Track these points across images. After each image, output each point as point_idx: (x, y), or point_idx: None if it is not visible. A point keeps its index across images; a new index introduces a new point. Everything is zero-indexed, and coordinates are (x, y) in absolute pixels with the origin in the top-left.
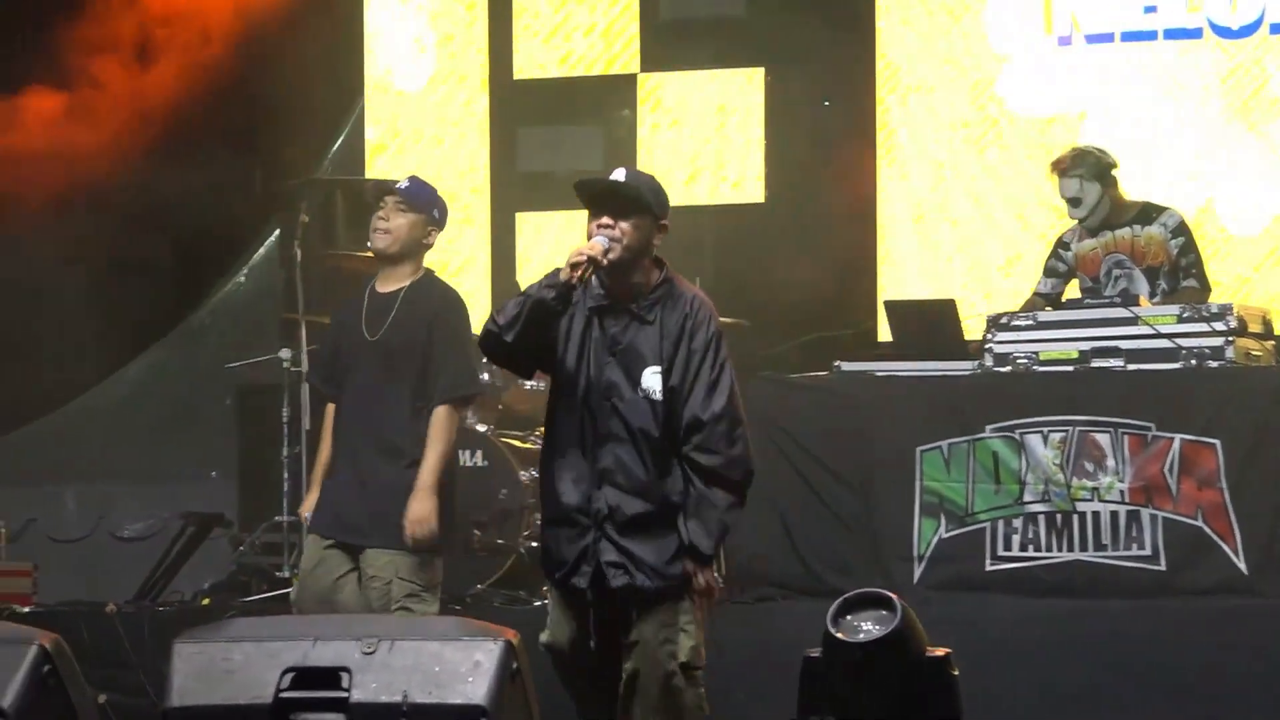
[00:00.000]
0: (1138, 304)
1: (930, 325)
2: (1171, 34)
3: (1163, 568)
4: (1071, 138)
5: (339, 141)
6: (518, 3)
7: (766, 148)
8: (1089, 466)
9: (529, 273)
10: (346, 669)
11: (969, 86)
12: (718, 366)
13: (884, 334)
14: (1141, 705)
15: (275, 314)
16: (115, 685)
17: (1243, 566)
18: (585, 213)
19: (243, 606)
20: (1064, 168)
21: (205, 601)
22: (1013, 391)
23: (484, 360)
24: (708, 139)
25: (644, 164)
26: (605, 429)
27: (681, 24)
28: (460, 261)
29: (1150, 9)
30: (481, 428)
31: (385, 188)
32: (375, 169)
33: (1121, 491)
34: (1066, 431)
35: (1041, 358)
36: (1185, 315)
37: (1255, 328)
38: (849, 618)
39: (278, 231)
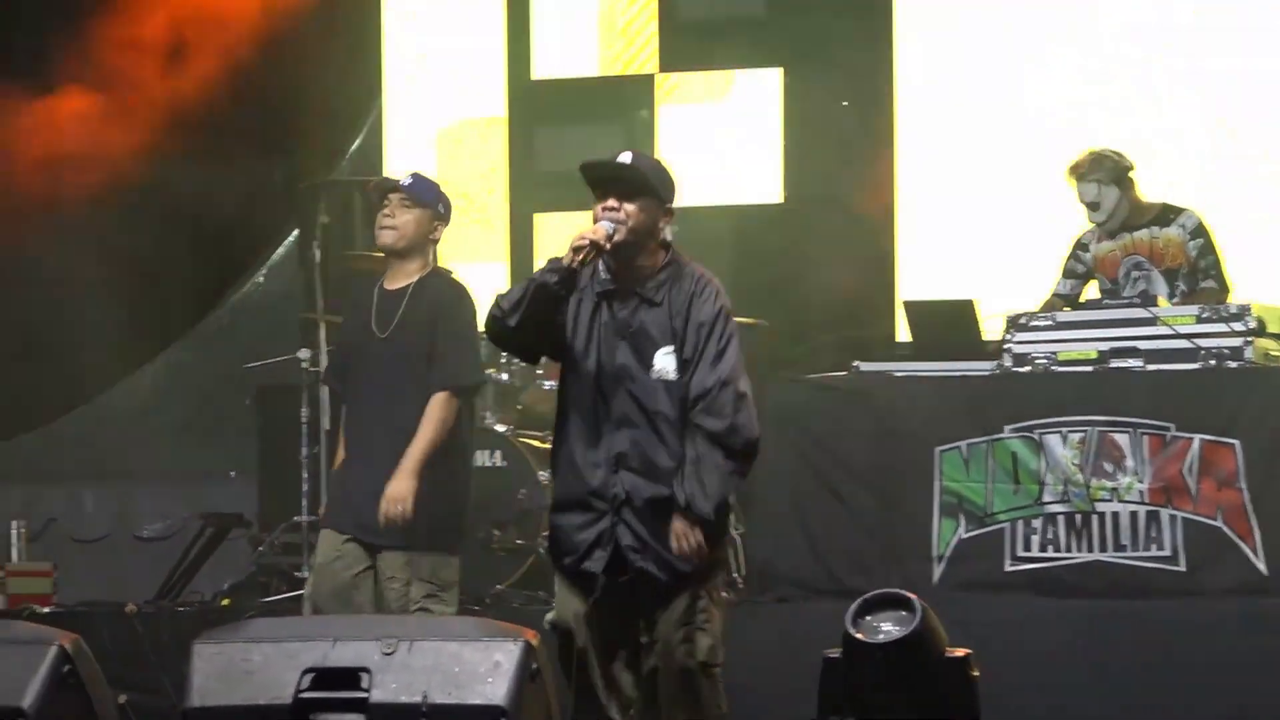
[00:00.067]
0: (1156, 304)
1: (949, 325)
2: (1191, 34)
3: (1182, 568)
4: (1090, 139)
5: (357, 142)
6: (536, 3)
7: (785, 148)
8: (1108, 467)
9: None
10: (366, 669)
11: (988, 86)
12: (724, 338)
13: (903, 334)
14: (1160, 706)
15: (294, 314)
16: (135, 685)
17: (1262, 567)
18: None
19: (262, 607)
20: (1081, 172)
21: (225, 602)
22: (1032, 392)
23: (504, 360)
24: (726, 139)
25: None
26: (619, 413)
27: (700, 24)
28: (479, 262)
29: (1171, 8)
30: (500, 428)
31: (389, 185)
32: (393, 169)
33: (1141, 492)
34: (1086, 432)
35: (1060, 358)
36: (1204, 315)
37: (1275, 328)
38: (869, 618)
39: (297, 232)
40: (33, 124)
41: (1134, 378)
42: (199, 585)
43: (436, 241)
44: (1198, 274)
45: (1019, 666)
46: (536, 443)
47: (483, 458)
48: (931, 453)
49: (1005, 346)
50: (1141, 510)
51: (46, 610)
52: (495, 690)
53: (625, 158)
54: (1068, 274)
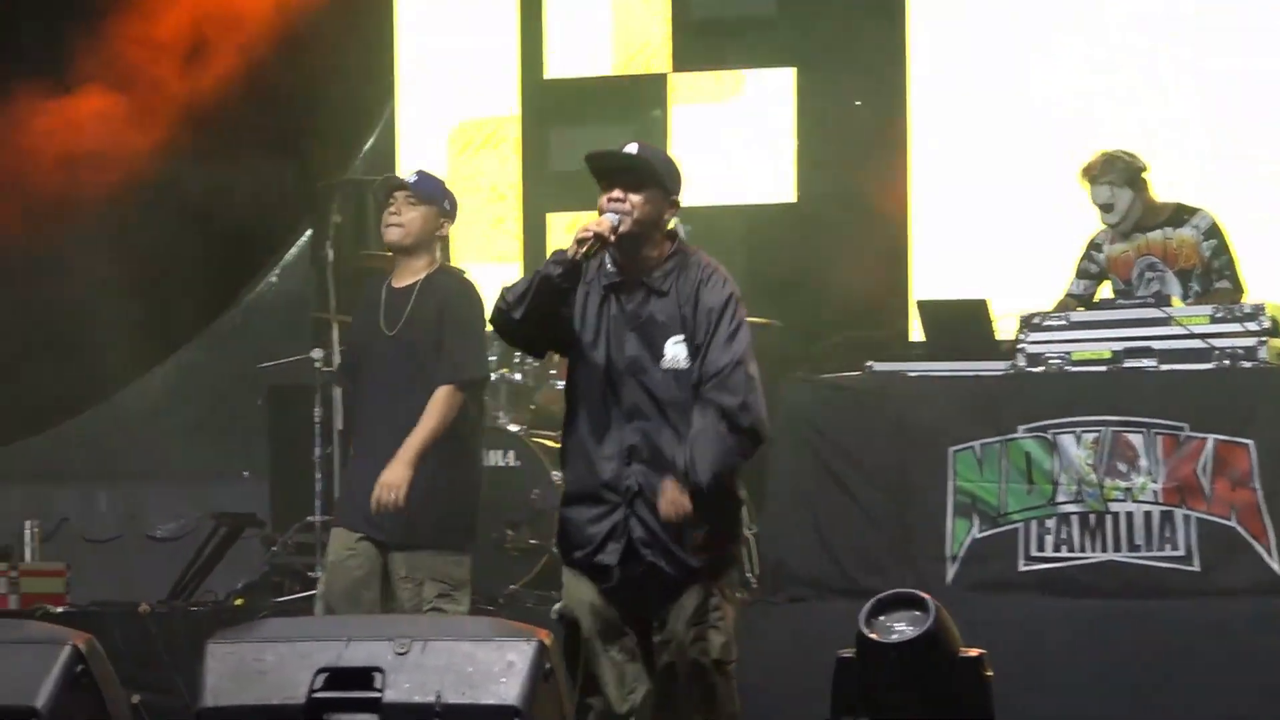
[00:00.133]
0: (1170, 304)
1: (962, 325)
2: (1206, 33)
3: (1196, 568)
4: (1103, 138)
5: (371, 142)
6: (549, 2)
7: (798, 148)
8: (1122, 467)
9: None
10: (379, 669)
11: (1001, 85)
12: (735, 321)
13: (916, 334)
14: (1174, 705)
15: (307, 314)
16: (148, 685)
17: (1276, 567)
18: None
19: (275, 607)
20: (1094, 174)
21: (238, 602)
22: (1046, 391)
23: (517, 360)
24: (739, 139)
25: None
26: (631, 405)
27: (712, 24)
28: (492, 262)
29: (1185, 6)
30: (514, 428)
31: (394, 183)
32: (406, 169)
33: (1155, 492)
34: (1099, 432)
35: (1074, 358)
36: (1218, 315)
37: None
38: (882, 618)
39: (310, 232)
40: (49, 123)
41: (1148, 378)
42: (212, 585)
43: (443, 238)
44: (1211, 274)
45: (1033, 666)
46: (550, 442)
47: (496, 458)
48: (945, 453)
49: (1019, 346)
50: (1155, 510)
51: (59, 610)
52: (509, 690)
53: (631, 148)
54: (1081, 274)
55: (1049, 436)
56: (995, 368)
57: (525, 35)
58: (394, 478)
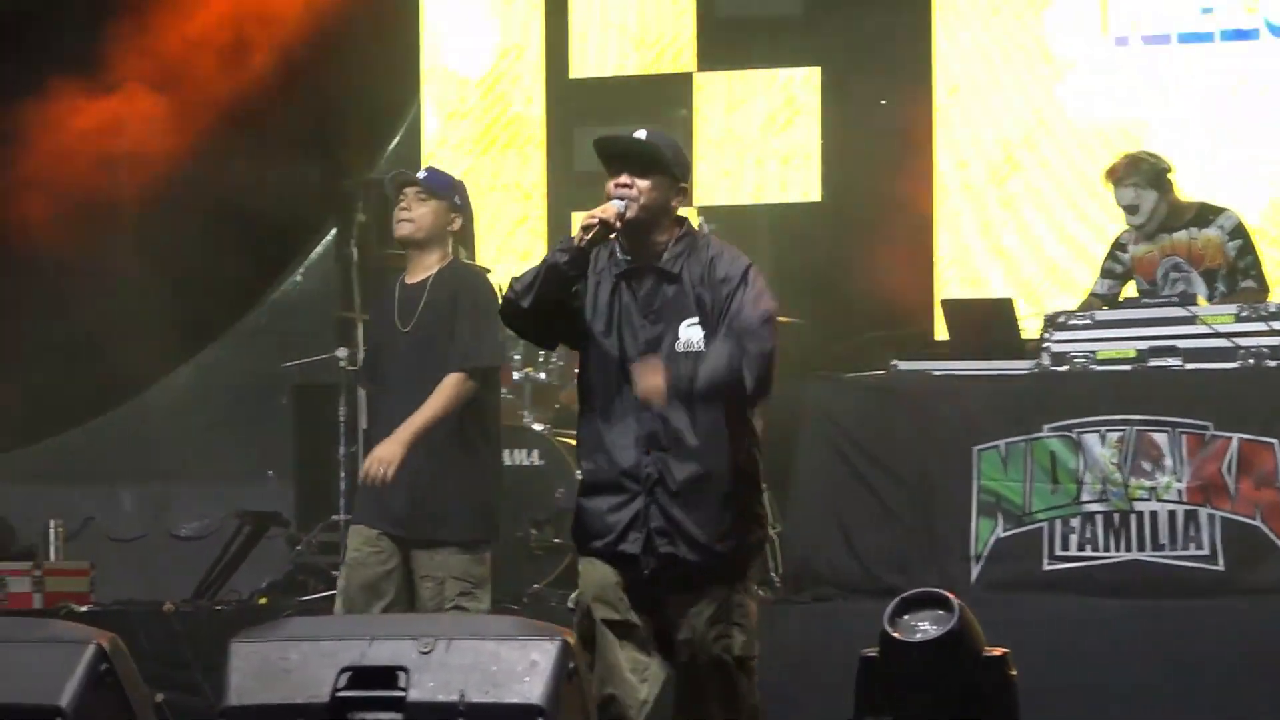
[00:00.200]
0: (1195, 303)
1: (987, 324)
2: (1228, 35)
3: (1221, 567)
4: (1128, 139)
5: (395, 141)
6: (574, 2)
7: (823, 147)
8: (1147, 466)
9: None
10: (403, 668)
11: (1026, 85)
12: (759, 285)
13: (941, 333)
14: (1199, 705)
15: (332, 313)
16: (172, 684)
17: None
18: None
19: (300, 606)
20: (1118, 176)
21: (262, 601)
22: (1070, 391)
23: (541, 359)
24: (764, 138)
25: (701, 164)
26: None
27: (738, 23)
28: (517, 261)
29: (1207, 10)
30: (538, 426)
31: (404, 180)
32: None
33: (1179, 491)
34: (1124, 431)
35: (1099, 357)
36: (1243, 314)
37: None
38: (906, 617)
39: (334, 231)
40: (83, 122)
41: (1173, 377)
42: (236, 584)
43: (455, 233)
44: (1237, 274)
45: (1057, 666)
46: (574, 441)
47: (520, 456)
48: (970, 452)
49: (1044, 345)
50: (1180, 509)
51: (84, 609)
52: (532, 689)
53: (640, 134)
54: (1106, 274)
55: (1074, 436)
56: (1020, 367)
57: (550, 35)
58: (386, 453)
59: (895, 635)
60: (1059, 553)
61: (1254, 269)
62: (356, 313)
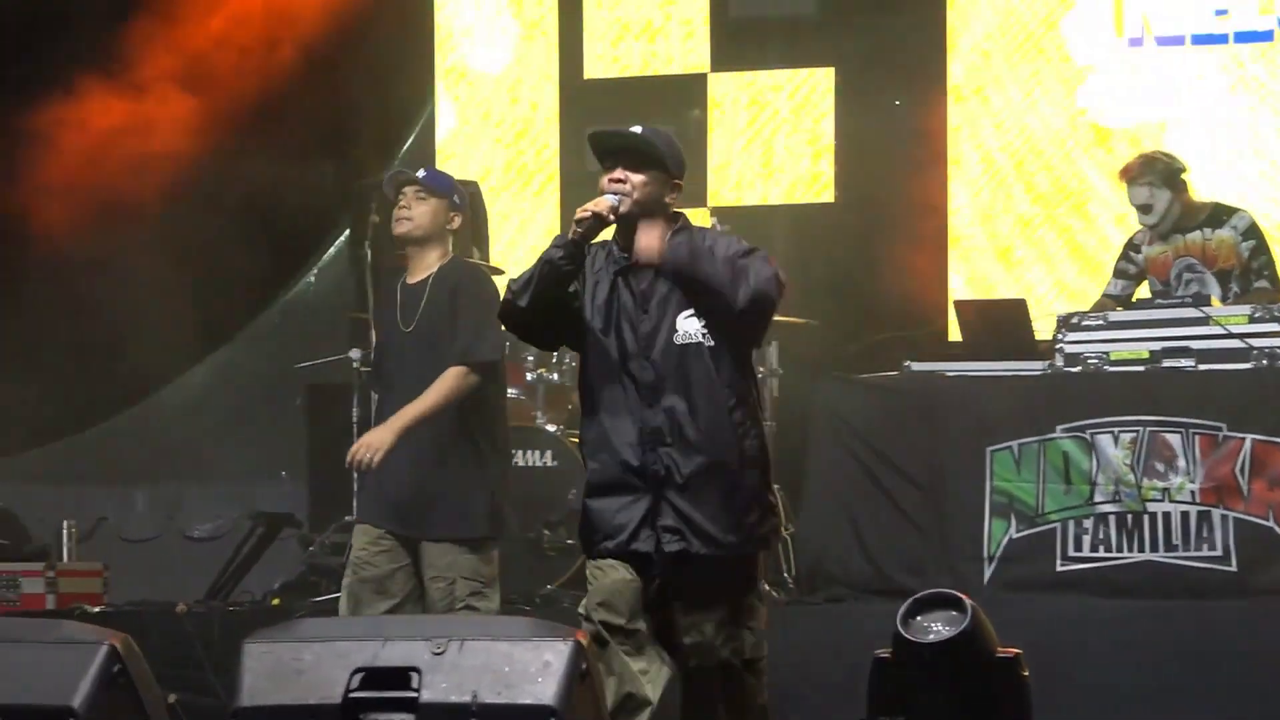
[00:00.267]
0: (1209, 304)
1: (1000, 325)
2: (1242, 36)
3: (1234, 568)
4: (1142, 140)
5: (409, 142)
6: (588, 2)
7: (837, 148)
8: (1160, 467)
9: None
10: (416, 669)
11: (1040, 86)
12: (762, 253)
13: (954, 334)
14: (1212, 705)
15: (345, 314)
16: (185, 685)
17: None
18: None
19: (312, 607)
20: (1132, 175)
21: (275, 602)
22: (1083, 391)
23: (554, 359)
24: (778, 139)
25: (714, 164)
26: (650, 387)
27: (752, 23)
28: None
29: (1221, 11)
30: (551, 428)
31: (403, 179)
32: (445, 169)
33: (1192, 492)
34: (1137, 432)
35: (1112, 358)
36: (1256, 315)
37: None
38: (919, 618)
39: (348, 232)
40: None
41: (1186, 378)
42: (249, 585)
43: (454, 230)
44: (1250, 274)
45: (1070, 667)
46: None
47: (533, 458)
48: (983, 452)
49: (1057, 346)
50: (1193, 510)
51: (97, 610)
52: (545, 690)
53: (635, 129)
54: (1119, 274)
55: (1087, 436)
56: (1033, 368)
57: (564, 35)
58: (375, 439)
59: (908, 636)
60: (1072, 553)
61: (1267, 269)
62: (369, 314)
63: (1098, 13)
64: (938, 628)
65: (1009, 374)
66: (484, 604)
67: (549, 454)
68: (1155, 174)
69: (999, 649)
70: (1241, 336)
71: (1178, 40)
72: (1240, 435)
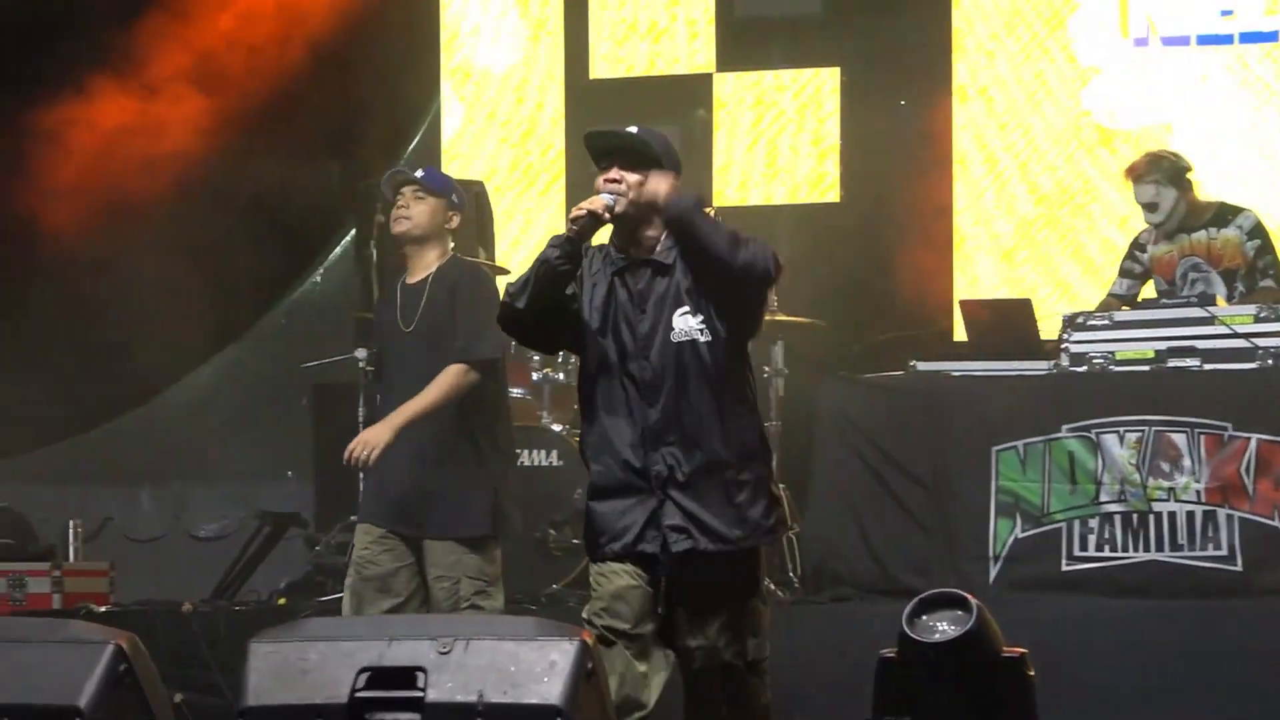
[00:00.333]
0: (1214, 304)
1: (1006, 325)
2: (1247, 37)
3: (1239, 568)
4: (1147, 140)
5: (415, 141)
6: (594, 2)
7: (842, 148)
8: (1165, 466)
9: None
10: (422, 669)
11: (1044, 86)
12: (761, 238)
13: (960, 333)
14: (1217, 705)
15: (351, 314)
16: (191, 684)
17: None
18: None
19: (318, 606)
20: (1138, 173)
21: (281, 601)
22: (1089, 391)
23: (560, 359)
24: (783, 139)
25: (719, 164)
26: (649, 386)
27: (757, 23)
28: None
29: (1226, 12)
30: (557, 427)
31: (401, 178)
32: (450, 170)
33: (1198, 491)
34: (1142, 431)
35: (1118, 357)
36: (1262, 315)
37: None
38: (924, 618)
39: (354, 232)
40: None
41: (1191, 377)
42: (255, 584)
43: (453, 230)
44: (1256, 274)
45: (1075, 667)
46: None
47: (539, 457)
48: (988, 452)
49: (1062, 346)
50: (1198, 510)
51: (103, 609)
52: (551, 690)
53: (630, 129)
54: (1124, 274)
55: (1092, 436)
56: (1039, 367)
57: (570, 35)
58: (374, 436)
59: (913, 636)
60: (1077, 553)
61: (1273, 269)
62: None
63: (1103, 13)
64: (943, 627)
65: (1014, 374)
66: (488, 603)
67: (554, 454)
68: (1161, 172)
69: (1004, 649)
70: (1247, 336)
71: (1183, 41)
72: (1246, 435)
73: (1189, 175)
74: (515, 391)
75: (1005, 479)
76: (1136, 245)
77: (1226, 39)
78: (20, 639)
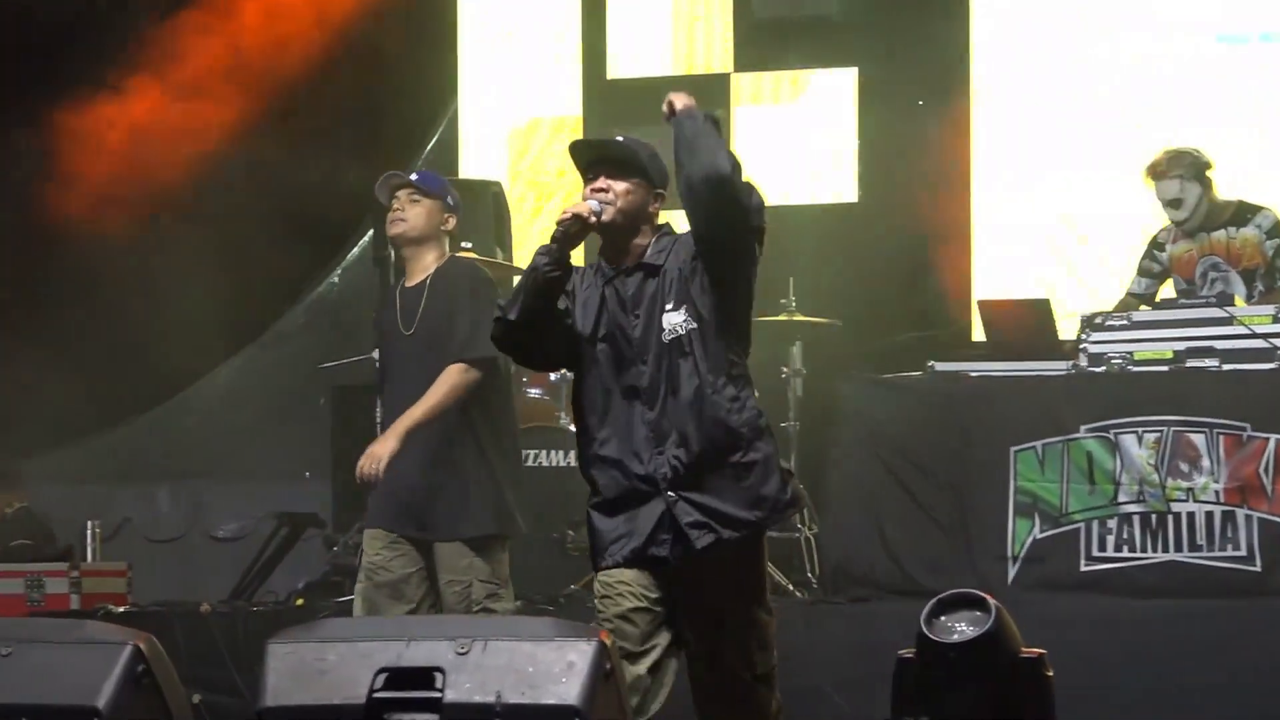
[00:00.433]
0: (1233, 304)
1: (1024, 325)
2: (1268, 36)
3: (1258, 568)
4: (1165, 139)
5: (433, 141)
6: (612, 2)
7: (860, 147)
8: (1184, 467)
9: None
10: (440, 669)
11: (1064, 85)
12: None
13: (978, 334)
14: (1236, 705)
15: (369, 314)
16: (209, 685)
17: None
18: (683, 213)
19: (336, 607)
20: (1160, 170)
21: (299, 602)
22: (1107, 391)
23: None
24: (801, 139)
25: None
26: (646, 389)
27: (775, 23)
28: None
29: (1246, 10)
30: (574, 427)
31: (397, 181)
32: (468, 169)
33: (1216, 492)
34: (1161, 432)
35: (1136, 358)
36: None
37: None
38: (943, 618)
39: (371, 233)
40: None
41: (1210, 377)
42: (273, 585)
43: (450, 232)
44: (1275, 273)
45: (1094, 667)
46: None
47: (557, 458)
48: (1007, 452)
49: (1081, 346)
50: (1217, 510)
51: (121, 610)
52: (569, 690)
53: (616, 138)
54: (1143, 273)
55: (1111, 436)
56: (1057, 367)
57: (588, 35)
58: (380, 449)
59: (932, 636)
60: (1096, 553)
61: None
62: None
63: (1122, 11)
64: (962, 628)
65: (1033, 374)
66: (500, 605)
67: (572, 454)
68: (1184, 168)
69: (1023, 649)
70: (1266, 336)
71: (1204, 39)
72: (1265, 435)
73: (1209, 173)
74: (533, 392)
75: (1024, 479)
76: (1155, 244)
77: (1246, 38)
78: (38, 639)
